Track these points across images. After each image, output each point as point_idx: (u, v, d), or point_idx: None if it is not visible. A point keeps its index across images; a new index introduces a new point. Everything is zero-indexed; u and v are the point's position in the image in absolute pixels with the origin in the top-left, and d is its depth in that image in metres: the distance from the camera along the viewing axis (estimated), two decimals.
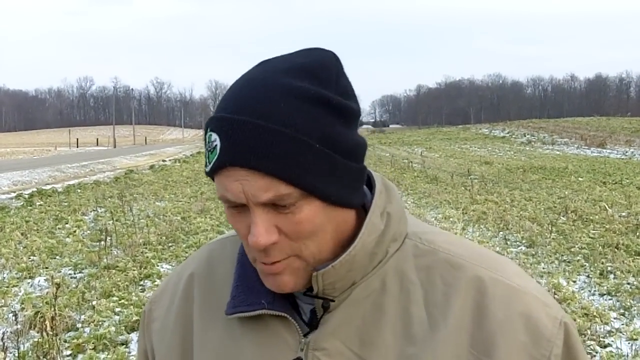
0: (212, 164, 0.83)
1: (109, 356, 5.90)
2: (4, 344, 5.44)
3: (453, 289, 0.90)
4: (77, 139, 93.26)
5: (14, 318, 6.79)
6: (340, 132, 0.84)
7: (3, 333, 6.09)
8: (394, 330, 0.88)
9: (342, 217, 0.89)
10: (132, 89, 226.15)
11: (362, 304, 0.90)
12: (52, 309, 6.32)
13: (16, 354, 5.56)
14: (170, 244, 10.98)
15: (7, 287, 8.33)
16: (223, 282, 0.98)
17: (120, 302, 7.53)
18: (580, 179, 22.88)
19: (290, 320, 0.90)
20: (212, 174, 0.85)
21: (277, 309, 0.90)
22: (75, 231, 12.54)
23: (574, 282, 8.16)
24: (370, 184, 0.96)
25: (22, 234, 12.10)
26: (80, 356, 5.97)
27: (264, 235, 0.83)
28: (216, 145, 0.82)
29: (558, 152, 44.28)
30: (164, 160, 39.82)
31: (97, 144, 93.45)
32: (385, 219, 0.92)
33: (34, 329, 6.62)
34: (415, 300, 0.89)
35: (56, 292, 6.21)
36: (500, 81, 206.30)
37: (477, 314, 0.88)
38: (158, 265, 9.31)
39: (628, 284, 7.91)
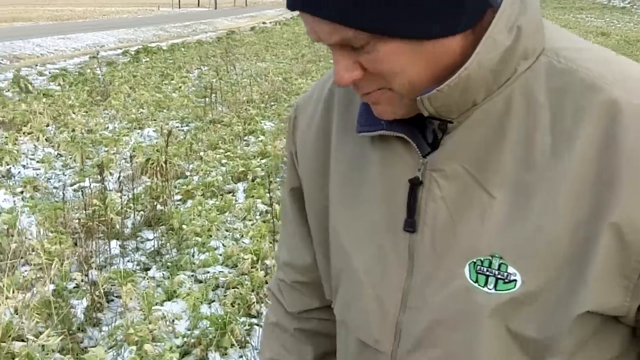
0: (287, 3, 0.83)
1: (216, 202, 6.10)
2: (119, 185, 5.69)
3: (584, 114, 0.81)
4: (179, 0, 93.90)
5: (127, 163, 7.09)
6: None
7: (118, 177, 6.37)
8: (513, 155, 0.83)
9: (439, 47, 0.81)
10: None
11: (482, 126, 0.85)
12: (163, 155, 6.52)
13: (130, 196, 5.82)
14: (272, 103, 11.09)
15: (119, 135, 8.67)
16: (358, 101, 0.97)
17: (226, 154, 7.72)
18: None
19: (409, 141, 0.89)
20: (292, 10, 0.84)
21: (395, 129, 0.89)
22: (180, 87, 12.83)
23: None
24: None
25: (130, 87, 12.48)
26: (189, 201, 6.20)
27: (342, 73, 0.83)
28: None
29: None
30: (264, 23, 39.62)
31: (198, 5, 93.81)
32: (515, 33, 0.82)
33: (146, 174, 6.90)
34: (540, 125, 0.82)
35: (167, 139, 6.38)
36: None
37: (606, 144, 0.79)
38: (261, 122, 9.43)
39: None
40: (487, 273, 0.84)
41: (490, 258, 0.84)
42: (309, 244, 1.13)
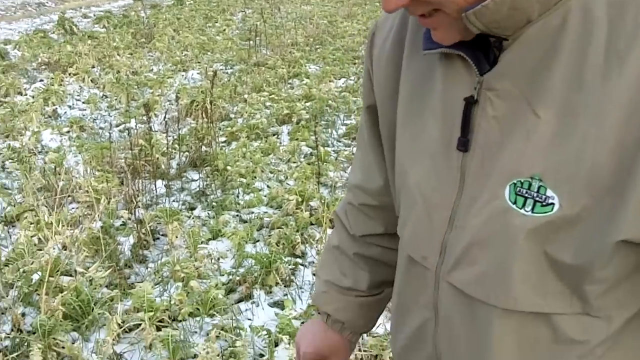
0: None
1: (261, 144, 6.06)
2: (165, 126, 5.68)
3: None
4: None
5: (172, 105, 7.08)
6: None
7: (163, 118, 6.36)
8: (564, 74, 0.80)
9: None
10: None
11: (536, 43, 0.82)
12: (208, 97, 6.48)
13: (175, 137, 5.81)
14: (317, 46, 10.93)
15: (163, 78, 8.64)
16: None
17: (270, 97, 7.65)
18: None
19: (468, 60, 0.88)
20: None
21: (456, 48, 0.88)
22: (224, 30, 12.73)
23: None
24: None
25: (174, 30, 12.41)
26: (234, 143, 6.17)
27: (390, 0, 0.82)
28: None
29: None
30: None
31: None
32: None
33: (190, 116, 6.88)
34: (595, 42, 0.79)
35: (212, 80, 6.32)
36: None
37: None
38: (306, 66, 9.30)
39: None
40: (526, 195, 0.82)
41: (530, 180, 0.82)
42: (382, 166, 1.14)
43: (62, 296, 3.33)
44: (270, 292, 3.73)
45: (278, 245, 4.11)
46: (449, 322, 0.96)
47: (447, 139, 0.91)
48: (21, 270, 3.64)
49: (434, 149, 0.93)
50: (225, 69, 9.38)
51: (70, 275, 3.69)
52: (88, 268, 3.80)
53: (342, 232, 1.26)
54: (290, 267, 3.90)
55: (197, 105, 6.86)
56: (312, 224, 4.49)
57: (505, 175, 0.84)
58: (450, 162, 0.91)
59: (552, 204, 0.81)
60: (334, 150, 6.05)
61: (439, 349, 0.99)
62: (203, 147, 5.75)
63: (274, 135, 6.40)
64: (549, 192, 0.81)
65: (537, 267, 0.84)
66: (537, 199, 0.81)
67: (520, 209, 0.83)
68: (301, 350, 1.29)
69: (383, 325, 3.28)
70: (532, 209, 0.82)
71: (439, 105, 0.93)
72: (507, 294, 0.86)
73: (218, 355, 2.94)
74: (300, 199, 4.63)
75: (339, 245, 1.26)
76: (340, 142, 6.39)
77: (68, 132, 6.52)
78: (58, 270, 3.57)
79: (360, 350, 3.00)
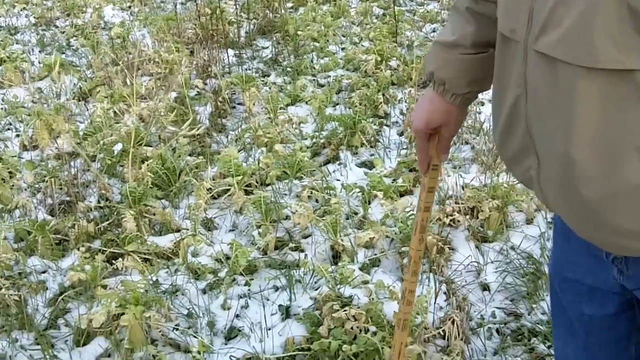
0: None
1: (330, 8, 5.80)
2: None
3: None
4: None
5: None
6: None
7: None
8: None
9: None
10: None
11: None
12: None
13: (242, 4, 5.58)
14: None
15: None
16: None
17: None
18: None
19: None
20: None
21: None
22: None
23: None
24: None
25: None
26: (302, 8, 5.92)
27: None
28: None
29: None
30: None
31: None
32: None
33: None
34: None
35: None
36: None
37: None
38: None
39: None
40: None
41: None
42: None
43: (147, 164, 3.26)
44: (357, 154, 3.59)
45: (360, 105, 3.93)
46: (536, 93, 0.97)
47: None
48: (101, 142, 3.58)
49: None
50: None
51: (150, 146, 3.61)
52: (169, 139, 3.72)
53: None
54: (375, 127, 3.74)
55: None
56: (393, 84, 4.29)
57: None
58: None
59: None
60: (407, 10, 5.73)
61: (529, 123, 1.00)
62: (270, 13, 5.52)
63: None
64: None
65: (620, 22, 0.82)
66: None
67: None
68: (413, 129, 1.33)
69: (477, 178, 3.12)
70: None
71: None
72: (589, 51, 0.85)
73: (314, 213, 2.84)
74: (379, 58, 4.40)
75: (456, 4, 1.27)
76: (412, 1, 6.04)
77: (129, 7, 6.35)
78: (139, 142, 3.49)
79: (457, 202, 2.86)
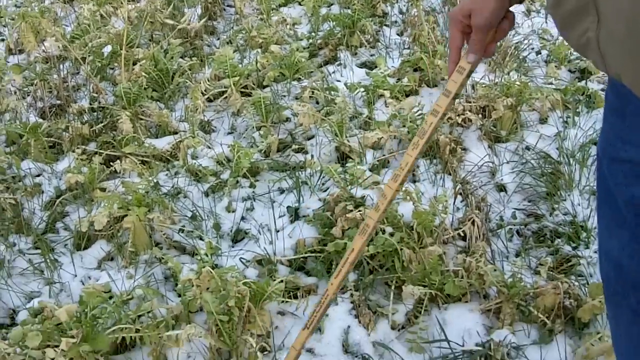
0: None
1: None
2: None
3: None
4: None
5: None
6: None
7: None
8: None
9: None
10: None
11: None
12: None
13: None
14: None
15: None
16: None
17: None
18: None
19: None
20: None
21: None
22: None
23: None
24: None
25: None
26: None
27: None
28: None
29: None
30: None
31: None
32: None
33: None
34: None
35: None
36: None
37: None
38: None
39: None
40: None
41: None
42: None
43: (140, 65, 3.10)
44: (356, 54, 3.45)
45: (357, 4, 3.76)
46: None
47: None
48: (90, 45, 3.40)
49: None
50: None
51: (140, 48, 3.44)
52: (159, 41, 3.55)
53: None
54: (374, 26, 3.58)
55: None
56: None
57: None
58: None
59: None
60: None
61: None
62: None
63: None
64: None
65: None
66: None
67: None
68: (449, 15, 1.23)
69: (487, 76, 3.01)
70: None
71: None
72: None
73: (319, 112, 2.73)
74: None
75: None
76: None
77: None
78: (129, 44, 3.31)
79: (469, 102, 2.75)
